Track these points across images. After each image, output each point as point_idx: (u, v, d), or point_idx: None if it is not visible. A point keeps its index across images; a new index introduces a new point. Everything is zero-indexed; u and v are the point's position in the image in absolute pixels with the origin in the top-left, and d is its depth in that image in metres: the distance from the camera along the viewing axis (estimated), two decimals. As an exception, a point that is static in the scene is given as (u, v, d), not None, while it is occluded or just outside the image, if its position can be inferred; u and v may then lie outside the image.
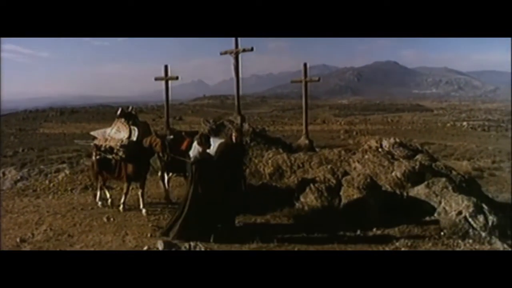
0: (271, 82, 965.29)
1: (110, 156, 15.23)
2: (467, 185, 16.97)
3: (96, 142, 15.85)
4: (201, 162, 12.07)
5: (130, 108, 16.79)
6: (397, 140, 19.25)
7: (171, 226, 12.38)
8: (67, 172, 23.00)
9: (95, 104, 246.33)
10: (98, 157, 15.66)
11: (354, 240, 12.58)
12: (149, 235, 12.87)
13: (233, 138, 13.60)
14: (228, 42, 24.47)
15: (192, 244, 11.15)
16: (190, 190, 12.08)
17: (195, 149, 13.49)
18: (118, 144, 14.87)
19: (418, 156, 18.18)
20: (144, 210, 14.90)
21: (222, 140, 14.26)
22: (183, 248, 11.06)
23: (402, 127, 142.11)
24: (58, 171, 25.38)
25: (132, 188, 16.91)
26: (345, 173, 16.06)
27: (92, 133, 17.11)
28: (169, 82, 26.58)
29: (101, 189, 16.38)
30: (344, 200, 14.43)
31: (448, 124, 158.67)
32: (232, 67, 24.52)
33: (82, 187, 19.89)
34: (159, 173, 16.93)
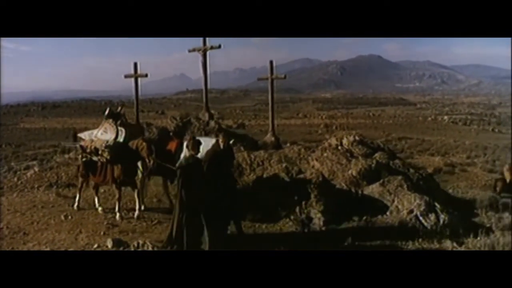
0: (255, 76, 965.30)
1: (95, 158, 14.74)
2: (424, 183, 17.16)
3: (82, 143, 15.33)
4: (186, 167, 11.39)
5: (119, 108, 16.72)
6: (357, 138, 19.33)
7: (170, 234, 11.69)
8: (36, 169, 22.87)
9: (78, 98, 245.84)
10: (84, 159, 15.13)
11: (301, 239, 12.75)
12: (102, 233, 13.10)
13: (220, 143, 13.04)
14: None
15: (140, 242, 11.36)
16: (177, 196, 11.53)
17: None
18: (103, 145, 14.42)
19: (377, 154, 18.28)
20: (137, 213, 14.53)
21: (212, 140, 13.76)
22: (131, 247, 11.30)
23: (383, 121, 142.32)
24: (27, 168, 25.42)
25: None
26: (300, 172, 16.25)
27: (79, 134, 16.98)
28: (139, 79, 26.81)
29: (80, 191, 15.77)
30: (296, 199, 14.41)
31: (429, 118, 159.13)
32: (200, 65, 24.84)
33: (47, 185, 19.80)
34: (140, 177, 15.60)
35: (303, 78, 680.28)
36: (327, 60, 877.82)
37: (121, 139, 14.59)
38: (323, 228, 13.47)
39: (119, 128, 14.81)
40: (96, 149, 14.56)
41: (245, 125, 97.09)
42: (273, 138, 23.31)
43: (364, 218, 13.95)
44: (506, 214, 17.45)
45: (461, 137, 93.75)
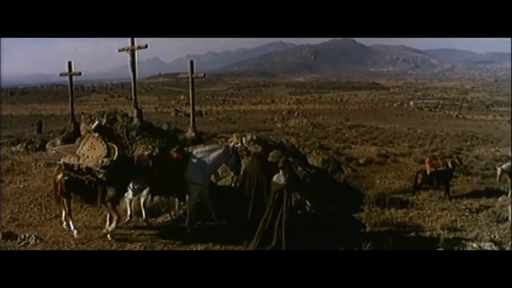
0: (228, 60, 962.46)
1: (83, 177, 13.43)
2: (312, 180, 18.60)
3: (65, 160, 13.88)
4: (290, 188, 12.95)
5: (104, 121, 16.81)
6: (254, 137, 20.69)
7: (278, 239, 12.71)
8: (-30, 165, 23.11)
9: (50, 83, 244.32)
10: (66, 177, 13.48)
11: (176, 234, 13.95)
12: (1, 226, 14.45)
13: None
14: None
15: (27, 234, 13.16)
16: (283, 215, 12.51)
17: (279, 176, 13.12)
18: (99, 164, 13.25)
19: (272, 153, 19.61)
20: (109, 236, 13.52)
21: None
22: (18, 239, 12.96)
23: (349, 107, 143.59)
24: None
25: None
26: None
27: (56, 149, 16.85)
28: (73, 77, 28.18)
29: (69, 214, 14.07)
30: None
31: (395, 104, 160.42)
32: (129, 64, 25.84)
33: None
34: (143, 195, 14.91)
35: (277, 62, 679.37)
36: (300, 44, 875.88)
37: (114, 157, 13.51)
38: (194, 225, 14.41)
39: (110, 144, 13.78)
40: (89, 169, 13.42)
41: (203, 113, 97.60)
42: (193, 134, 24.33)
43: (239, 214, 14.63)
44: (392, 210, 19.12)
45: (421, 124, 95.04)
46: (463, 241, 15.02)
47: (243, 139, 20.45)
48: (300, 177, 17.89)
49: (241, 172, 14.62)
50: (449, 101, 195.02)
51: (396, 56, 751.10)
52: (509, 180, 23.66)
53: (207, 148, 15.02)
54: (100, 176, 13.24)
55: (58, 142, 25.73)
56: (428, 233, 16.22)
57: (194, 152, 14.56)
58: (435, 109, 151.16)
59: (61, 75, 28.39)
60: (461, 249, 13.76)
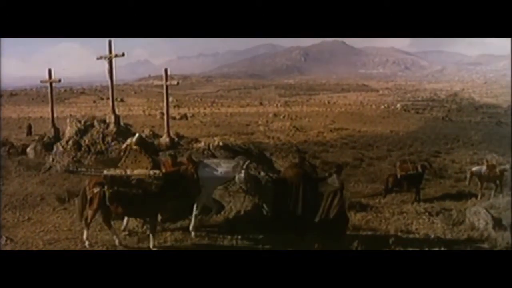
0: (218, 61, 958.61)
1: (126, 189, 13.12)
2: (274, 184, 19.39)
3: (109, 172, 13.44)
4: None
5: (144, 135, 16.95)
6: (221, 143, 21.49)
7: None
8: None
9: (38, 86, 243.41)
10: (110, 190, 13.02)
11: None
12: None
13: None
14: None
15: (4, 238, 13.99)
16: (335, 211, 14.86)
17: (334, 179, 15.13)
18: (151, 175, 13.22)
19: (237, 158, 20.33)
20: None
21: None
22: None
23: (336, 110, 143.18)
24: None
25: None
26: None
27: (93, 162, 17.69)
28: (53, 84, 28.93)
29: (89, 225, 13.62)
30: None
31: (382, 106, 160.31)
32: (106, 71, 26.46)
33: None
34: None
35: (267, 64, 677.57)
36: (290, 46, 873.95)
37: (163, 169, 13.96)
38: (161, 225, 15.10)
39: (154, 158, 14.23)
40: (139, 181, 13.24)
41: (188, 116, 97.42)
42: (167, 140, 24.98)
43: (199, 217, 15.39)
44: (350, 213, 19.73)
45: (405, 126, 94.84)
46: (412, 243, 15.48)
47: (210, 145, 21.22)
48: (263, 181, 18.35)
49: (279, 182, 15.81)
50: (438, 102, 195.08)
51: (386, 58, 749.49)
52: (479, 183, 24.52)
53: (219, 160, 16.32)
54: (152, 187, 13.18)
55: (39, 147, 26.49)
56: (379, 235, 16.80)
57: (205, 161, 15.08)
58: (423, 111, 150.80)
59: (42, 82, 29.07)
60: (408, 250, 14.03)
